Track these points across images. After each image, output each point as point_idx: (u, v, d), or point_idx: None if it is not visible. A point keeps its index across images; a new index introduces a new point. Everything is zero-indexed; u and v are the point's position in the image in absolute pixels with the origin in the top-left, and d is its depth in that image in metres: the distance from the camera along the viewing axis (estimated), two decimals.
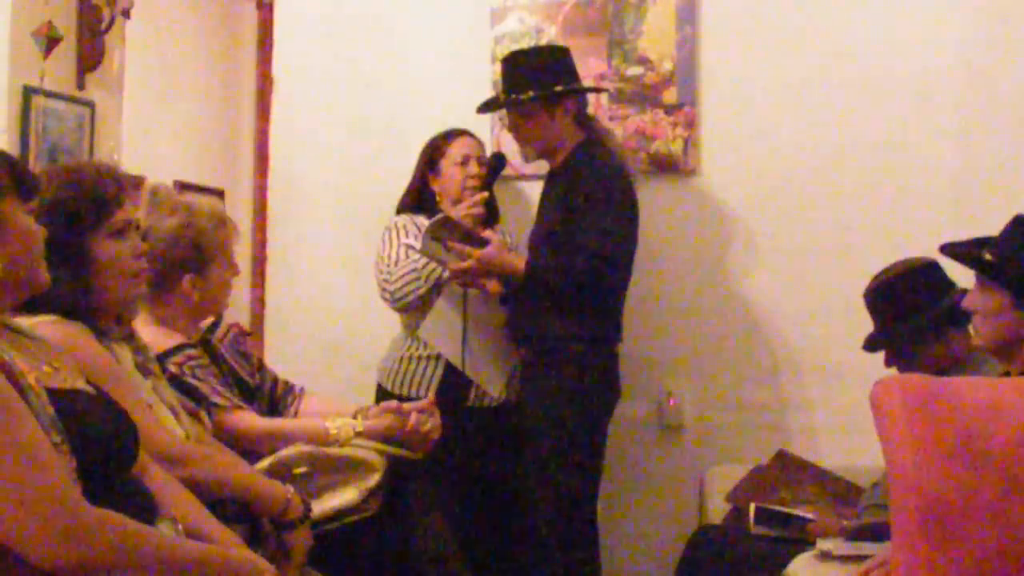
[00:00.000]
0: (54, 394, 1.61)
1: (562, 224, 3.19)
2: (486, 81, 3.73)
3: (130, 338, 2.21)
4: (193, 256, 2.49)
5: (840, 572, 2.29)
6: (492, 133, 3.76)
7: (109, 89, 3.18)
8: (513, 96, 3.26)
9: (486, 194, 3.37)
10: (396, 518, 2.56)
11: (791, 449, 3.43)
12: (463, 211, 3.30)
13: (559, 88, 3.24)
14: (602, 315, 3.22)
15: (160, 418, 2.12)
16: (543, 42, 3.70)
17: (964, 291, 2.59)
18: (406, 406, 2.66)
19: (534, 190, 3.53)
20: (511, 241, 3.48)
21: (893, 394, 1.89)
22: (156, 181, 2.56)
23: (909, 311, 2.81)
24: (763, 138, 3.61)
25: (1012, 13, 3.41)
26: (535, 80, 3.23)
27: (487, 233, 3.29)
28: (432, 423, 2.67)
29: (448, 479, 3.20)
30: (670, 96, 3.66)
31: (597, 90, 3.57)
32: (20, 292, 1.74)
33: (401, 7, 3.96)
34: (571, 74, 3.30)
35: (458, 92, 3.72)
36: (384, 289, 3.36)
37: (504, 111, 3.48)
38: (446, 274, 3.27)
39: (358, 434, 2.53)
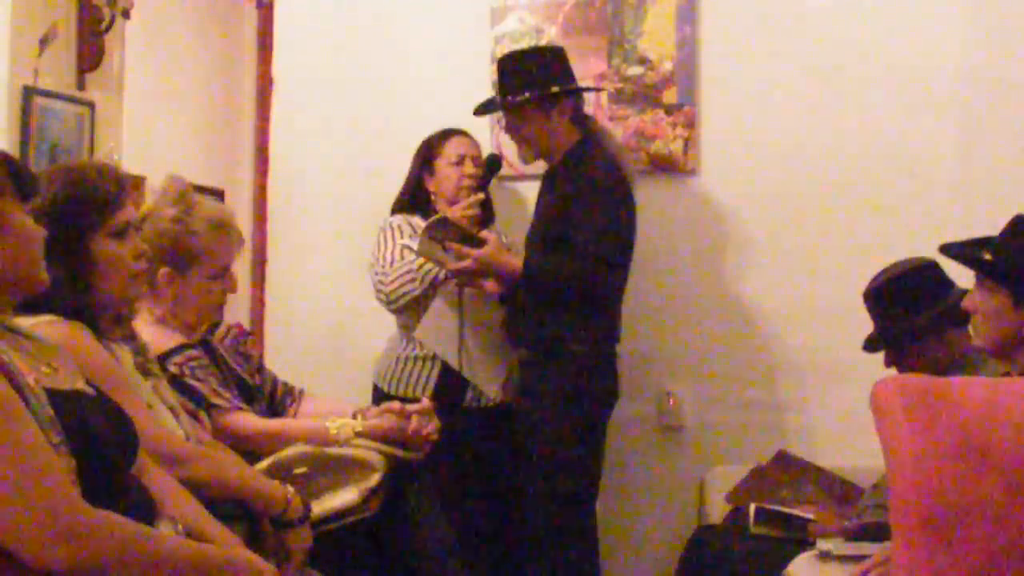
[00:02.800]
0: (53, 395, 1.60)
1: (559, 224, 3.19)
2: (486, 81, 3.72)
3: (130, 338, 2.20)
4: (173, 251, 2.42)
5: (840, 572, 2.29)
6: (492, 133, 3.76)
7: (109, 89, 3.18)
8: (509, 98, 3.26)
9: (482, 195, 3.36)
10: (396, 518, 2.56)
11: (791, 449, 3.43)
12: (459, 212, 3.30)
13: (555, 89, 3.24)
14: (601, 315, 3.22)
15: (160, 418, 2.12)
16: (543, 42, 3.70)
17: (964, 291, 2.59)
18: (408, 407, 2.67)
19: (532, 190, 3.52)
20: (507, 241, 3.48)
21: (893, 394, 1.89)
22: (176, 174, 2.53)
23: (909, 311, 2.80)
24: (763, 138, 3.60)
25: (1012, 13, 3.41)
26: (530, 81, 3.23)
27: (484, 233, 3.29)
28: (432, 426, 2.68)
29: (447, 479, 3.20)
30: (670, 96, 3.66)
31: (593, 89, 3.56)
32: (20, 292, 1.73)
33: (401, 7, 3.96)
34: (567, 74, 3.29)
35: (458, 92, 3.71)
36: (379, 290, 3.36)
37: (501, 113, 3.48)
38: (442, 275, 3.27)
39: (358, 434, 2.53)
